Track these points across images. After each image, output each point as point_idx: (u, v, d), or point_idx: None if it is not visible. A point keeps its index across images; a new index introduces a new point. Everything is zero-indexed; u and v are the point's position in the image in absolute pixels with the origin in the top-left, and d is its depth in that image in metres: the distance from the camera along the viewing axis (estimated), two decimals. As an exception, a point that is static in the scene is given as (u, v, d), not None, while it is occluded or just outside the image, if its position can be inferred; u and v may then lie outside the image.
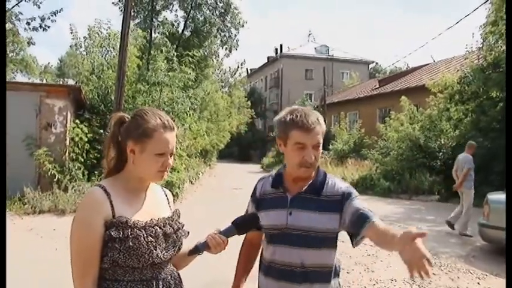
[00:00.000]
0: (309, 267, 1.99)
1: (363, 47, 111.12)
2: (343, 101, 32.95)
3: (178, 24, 27.99)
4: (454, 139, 15.71)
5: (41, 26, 21.19)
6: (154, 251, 1.73)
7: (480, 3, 15.66)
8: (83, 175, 11.19)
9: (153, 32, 25.34)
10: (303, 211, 2.00)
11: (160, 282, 1.79)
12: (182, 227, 1.94)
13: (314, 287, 2.00)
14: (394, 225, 9.99)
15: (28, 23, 21.51)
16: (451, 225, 9.33)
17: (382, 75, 42.27)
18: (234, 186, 17.66)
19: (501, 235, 7.21)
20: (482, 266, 6.85)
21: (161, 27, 25.70)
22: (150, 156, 1.75)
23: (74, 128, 11.48)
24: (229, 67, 39.23)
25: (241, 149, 47.49)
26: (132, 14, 17.46)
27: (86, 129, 11.58)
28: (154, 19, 26.17)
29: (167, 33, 21.10)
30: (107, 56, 15.09)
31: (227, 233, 1.96)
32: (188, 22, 27.28)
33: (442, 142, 16.06)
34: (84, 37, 15.21)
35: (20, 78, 37.82)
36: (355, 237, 1.98)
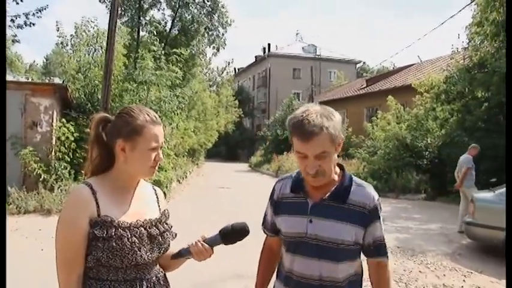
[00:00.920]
0: (327, 281, 1.87)
1: (350, 46, 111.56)
2: (331, 100, 33.00)
3: (165, 23, 27.95)
4: (440, 138, 15.85)
5: (25, 23, 20.94)
6: (138, 252, 1.72)
7: (466, 4, 15.84)
8: (70, 174, 11.09)
9: (140, 30, 25.25)
10: (324, 220, 1.86)
11: (145, 283, 1.78)
12: (170, 229, 1.92)
13: None
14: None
15: (12, 20, 21.21)
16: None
17: (370, 75, 42.49)
18: (220, 185, 17.67)
19: (486, 233, 7.32)
20: (467, 264, 6.93)
21: (148, 25, 25.57)
22: (143, 153, 1.75)
23: (60, 127, 11.37)
24: (217, 66, 39.24)
25: (229, 148, 47.40)
26: (120, 12, 17.35)
27: (72, 128, 11.47)
28: (141, 17, 26.06)
29: (155, 32, 20.96)
30: (94, 54, 14.96)
31: (211, 242, 1.85)
32: (176, 21, 27.23)
33: (429, 141, 16.20)
34: (70, 35, 15.06)
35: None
36: (371, 255, 1.96)
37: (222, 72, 39.92)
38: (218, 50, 29.27)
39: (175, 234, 1.95)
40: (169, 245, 1.89)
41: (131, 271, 1.74)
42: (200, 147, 29.02)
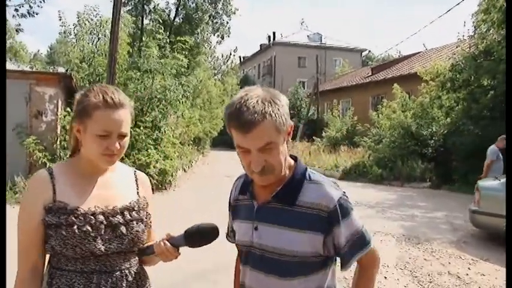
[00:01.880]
0: None
1: (355, 35, 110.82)
2: (336, 89, 32.91)
3: (169, 11, 27.82)
4: (446, 127, 15.78)
5: (28, 13, 20.94)
6: (92, 242, 1.56)
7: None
8: (74, 163, 11.12)
9: (144, 19, 25.17)
10: (269, 226, 1.54)
11: (104, 277, 1.60)
12: (145, 218, 1.73)
13: None
14: (387, 212, 10.08)
15: (16, 10, 21.24)
16: None
17: (375, 63, 42.24)
18: (226, 173, 17.67)
19: (491, 221, 7.30)
20: (473, 252, 6.92)
21: (152, 14, 25.48)
22: (92, 138, 1.58)
23: (65, 116, 11.39)
24: (222, 54, 39.06)
25: (235, 136, 47.29)
26: (123, 0, 17.29)
27: (77, 117, 11.47)
28: (145, 6, 25.95)
29: (160, 20, 20.91)
30: (98, 43, 14.94)
31: (176, 243, 1.63)
32: (180, 9, 27.09)
33: (434, 129, 16.12)
34: (73, 24, 15.03)
35: (9, 66, 37.41)
36: (347, 258, 1.56)
37: (227, 61, 39.76)
38: (223, 38, 29.19)
39: (150, 225, 1.77)
40: (139, 237, 1.68)
41: (90, 262, 1.59)
42: (205, 136, 28.98)
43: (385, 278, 5.61)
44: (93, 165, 1.65)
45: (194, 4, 27.02)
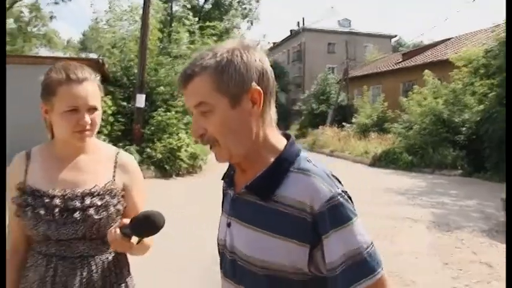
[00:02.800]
0: None
1: (385, 21, 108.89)
2: (366, 75, 32.43)
3: (199, -3, 27.88)
4: (479, 114, 15.42)
5: None
6: (43, 225, 1.52)
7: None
8: (108, 147, 11.35)
9: (173, 5, 25.30)
10: (241, 224, 1.17)
11: (62, 262, 1.54)
12: (111, 205, 1.60)
13: None
14: (417, 199, 9.98)
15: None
16: None
17: (406, 49, 41.47)
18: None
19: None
20: (505, 241, 6.82)
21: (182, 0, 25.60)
22: (60, 115, 1.52)
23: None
24: (252, 40, 38.98)
25: (265, 122, 47.36)
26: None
27: (109, 102, 11.70)
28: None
29: (189, 5, 21.00)
30: (128, 29, 15.12)
31: (125, 231, 1.44)
32: (209, -5, 27.14)
33: (466, 117, 15.78)
34: (105, 11, 15.25)
35: (44, 52, 38.30)
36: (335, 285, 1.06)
37: (257, 46, 39.72)
38: (252, 23, 29.14)
39: (120, 212, 1.64)
40: (101, 224, 1.56)
41: (52, 246, 1.55)
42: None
43: (415, 264, 5.59)
44: (67, 146, 1.61)
45: (223, -11, 27.05)
